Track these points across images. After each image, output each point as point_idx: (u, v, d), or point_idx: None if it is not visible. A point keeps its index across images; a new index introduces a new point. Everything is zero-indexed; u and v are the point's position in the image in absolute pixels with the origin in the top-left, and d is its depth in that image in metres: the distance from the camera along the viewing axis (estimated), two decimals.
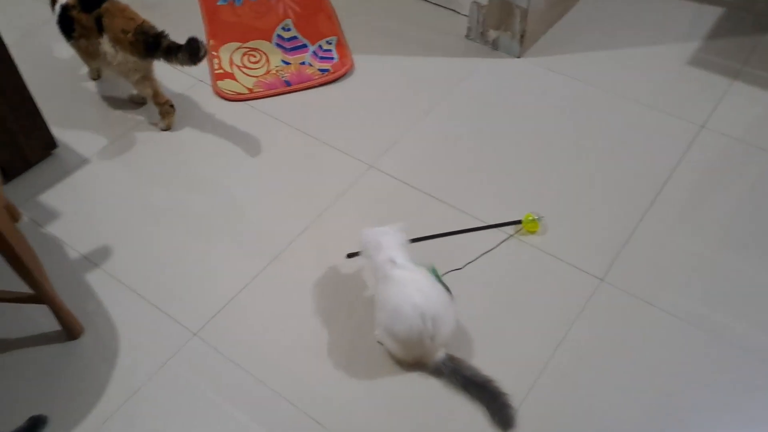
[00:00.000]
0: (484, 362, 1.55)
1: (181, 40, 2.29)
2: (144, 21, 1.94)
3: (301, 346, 1.60)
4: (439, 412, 1.49)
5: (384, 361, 1.57)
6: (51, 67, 2.33)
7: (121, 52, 1.94)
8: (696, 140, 2.04)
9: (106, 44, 1.95)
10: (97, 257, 1.79)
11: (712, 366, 1.55)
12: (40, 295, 1.50)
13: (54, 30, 2.06)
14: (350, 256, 1.78)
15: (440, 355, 1.51)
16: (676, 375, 1.53)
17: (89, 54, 2.05)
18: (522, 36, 2.30)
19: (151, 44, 1.91)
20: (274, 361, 1.58)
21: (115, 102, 2.22)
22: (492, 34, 2.36)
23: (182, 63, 1.92)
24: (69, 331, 1.60)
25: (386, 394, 1.52)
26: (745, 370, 1.54)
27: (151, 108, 2.17)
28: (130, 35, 1.90)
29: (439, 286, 1.53)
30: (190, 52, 1.89)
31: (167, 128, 2.12)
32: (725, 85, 2.21)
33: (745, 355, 1.56)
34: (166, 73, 2.28)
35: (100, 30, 1.94)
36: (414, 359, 1.54)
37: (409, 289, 1.48)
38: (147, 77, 2.06)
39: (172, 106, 2.11)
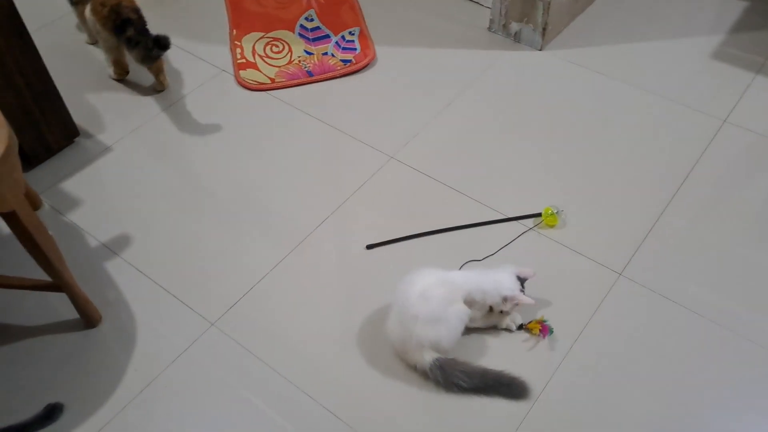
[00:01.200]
0: (501, 356, 1.47)
1: (204, 33, 2.22)
2: (123, 2, 1.94)
3: (321, 338, 1.52)
4: (461, 406, 1.40)
5: None
6: (72, 56, 2.24)
7: (98, 23, 1.99)
8: (718, 134, 1.93)
9: (88, 11, 2.00)
10: (117, 246, 1.71)
11: (731, 362, 1.46)
12: (58, 283, 1.43)
13: (73, 23, 2.05)
14: (370, 247, 1.69)
15: (426, 358, 1.41)
16: (694, 370, 1.45)
17: (84, 20, 2.09)
18: (544, 28, 2.18)
19: (118, 27, 1.93)
20: (292, 352, 1.50)
21: (136, 90, 2.13)
22: (514, 26, 2.24)
23: (136, 57, 1.98)
24: (87, 319, 1.52)
25: (407, 389, 1.44)
26: (763, 366, 1.45)
27: (171, 93, 2.10)
28: (105, 10, 1.93)
29: (458, 310, 1.42)
30: (156, 45, 1.93)
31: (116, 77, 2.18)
32: (748, 79, 2.09)
33: (763, 352, 1.47)
34: (186, 64, 2.21)
35: None
36: (399, 343, 1.45)
37: (439, 279, 1.43)
38: (119, 55, 2.10)
39: (127, 72, 2.17)
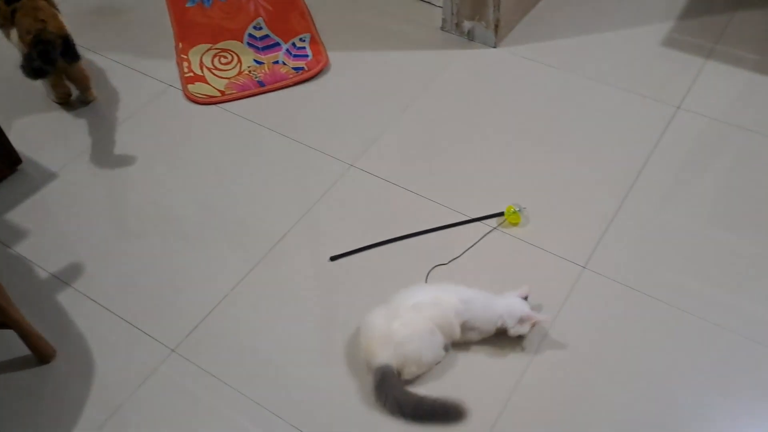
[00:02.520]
0: (473, 355, 1.46)
1: (148, 47, 2.11)
2: (46, 28, 1.82)
3: (288, 356, 1.48)
4: None
5: None
6: (9, 81, 2.15)
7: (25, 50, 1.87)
8: (673, 121, 1.93)
9: (15, 38, 1.90)
10: (68, 276, 1.64)
11: (697, 346, 1.47)
12: (4, 320, 1.36)
13: (7, 44, 1.96)
14: (333, 258, 1.65)
15: (381, 360, 1.37)
16: (663, 358, 1.45)
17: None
18: (497, 25, 2.16)
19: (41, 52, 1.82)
20: (259, 373, 1.45)
21: (80, 113, 2.05)
22: (467, 24, 2.22)
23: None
24: (40, 355, 1.45)
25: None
26: (731, 349, 1.46)
27: (116, 112, 2.02)
28: (30, 38, 1.81)
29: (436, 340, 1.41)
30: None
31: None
32: (699, 65, 2.09)
33: (730, 334, 1.48)
34: (131, 81, 2.14)
35: (14, 23, 1.88)
36: (372, 331, 1.42)
37: (436, 299, 1.44)
38: (56, 78, 1.99)
39: (69, 95, 2.07)
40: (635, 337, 1.48)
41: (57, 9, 1.97)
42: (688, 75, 2.07)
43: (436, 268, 1.61)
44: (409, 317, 1.39)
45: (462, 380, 1.43)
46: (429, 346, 1.40)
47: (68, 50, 1.86)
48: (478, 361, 1.45)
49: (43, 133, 1.99)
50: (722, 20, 2.24)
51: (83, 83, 2.02)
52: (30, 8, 1.84)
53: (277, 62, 2.17)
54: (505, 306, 1.45)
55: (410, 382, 1.41)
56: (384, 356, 1.37)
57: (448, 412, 1.37)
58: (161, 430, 1.37)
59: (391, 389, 1.36)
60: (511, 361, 1.45)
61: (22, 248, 1.71)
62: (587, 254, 1.63)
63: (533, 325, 1.46)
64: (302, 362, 1.47)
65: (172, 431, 1.37)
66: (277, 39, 2.25)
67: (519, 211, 1.70)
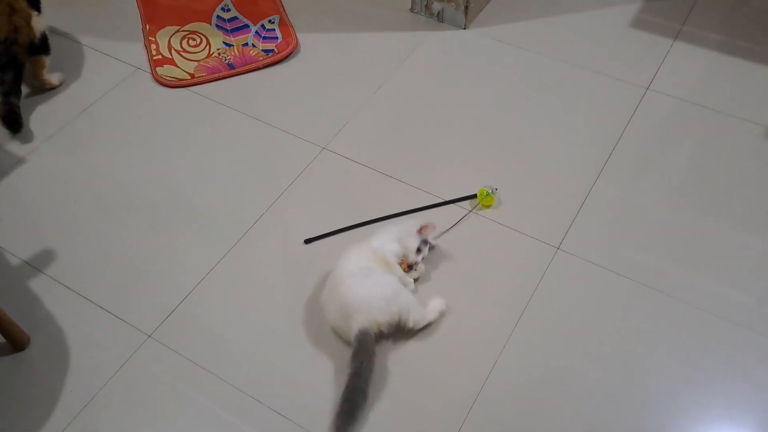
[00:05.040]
0: (450, 339, 1.50)
1: (115, 30, 2.09)
2: (19, 33, 1.84)
3: (265, 339, 1.51)
4: (413, 395, 1.42)
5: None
6: None
7: None
8: (642, 102, 1.99)
9: None
10: (41, 262, 1.65)
11: (669, 324, 1.53)
12: None
13: None
14: (308, 241, 1.68)
15: (355, 329, 1.43)
16: (635, 335, 1.51)
17: None
18: (466, 6, 2.20)
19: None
20: (237, 356, 1.48)
21: (48, 96, 2.05)
22: (436, 6, 2.25)
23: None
24: (14, 342, 1.47)
25: None
26: (701, 327, 1.52)
27: (85, 96, 2.02)
28: None
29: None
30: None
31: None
32: (667, 46, 2.16)
33: (700, 312, 1.54)
34: (99, 63, 2.14)
35: None
36: (331, 315, 1.49)
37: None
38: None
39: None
40: (608, 316, 1.54)
41: (39, 8, 1.97)
42: (656, 56, 2.13)
43: None
44: (350, 276, 1.47)
45: (438, 363, 1.47)
46: (383, 287, 1.47)
47: (35, 50, 1.88)
48: (456, 344, 1.49)
49: None
50: (689, 1, 2.31)
51: (35, 70, 2.01)
52: (6, 7, 1.83)
53: (246, 44, 2.18)
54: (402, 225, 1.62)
55: (415, 331, 1.50)
56: (356, 324, 1.42)
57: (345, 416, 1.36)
58: (138, 416, 1.40)
59: (366, 355, 1.40)
60: (488, 343, 1.50)
61: None
62: (561, 235, 1.68)
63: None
64: (279, 345, 1.50)
65: (149, 417, 1.40)
66: (246, 21, 2.26)
67: (492, 192, 1.74)
